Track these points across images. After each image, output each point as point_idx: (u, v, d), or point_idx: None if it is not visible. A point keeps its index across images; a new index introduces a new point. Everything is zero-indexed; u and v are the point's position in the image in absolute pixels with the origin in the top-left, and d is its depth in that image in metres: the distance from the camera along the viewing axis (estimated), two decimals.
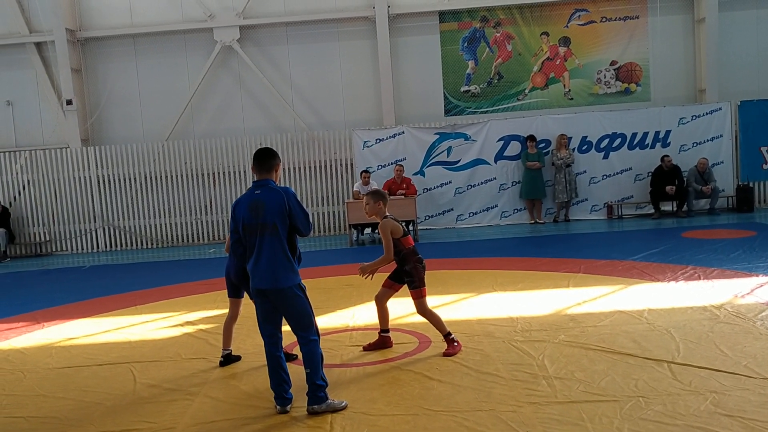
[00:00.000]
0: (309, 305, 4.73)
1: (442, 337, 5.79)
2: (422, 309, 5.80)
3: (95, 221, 15.76)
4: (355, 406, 4.66)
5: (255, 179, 4.79)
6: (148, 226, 15.84)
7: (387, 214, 5.86)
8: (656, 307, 6.73)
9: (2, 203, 15.40)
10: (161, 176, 15.72)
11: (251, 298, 4.82)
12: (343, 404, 4.60)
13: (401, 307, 7.08)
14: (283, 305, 4.63)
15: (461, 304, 7.55)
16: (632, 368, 5.00)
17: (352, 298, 8.27)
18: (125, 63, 16.24)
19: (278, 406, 4.64)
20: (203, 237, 15.87)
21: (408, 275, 5.78)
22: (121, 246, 15.87)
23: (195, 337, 6.87)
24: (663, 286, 7.73)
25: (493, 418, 4.26)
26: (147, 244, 15.85)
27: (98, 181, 15.69)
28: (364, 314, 7.38)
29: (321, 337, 5.43)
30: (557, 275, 8.79)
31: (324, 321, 7.19)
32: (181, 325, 7.46)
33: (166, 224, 15.84)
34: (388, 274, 6.02)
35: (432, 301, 7.70)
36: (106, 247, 15.83)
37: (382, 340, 6.03)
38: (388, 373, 5.27)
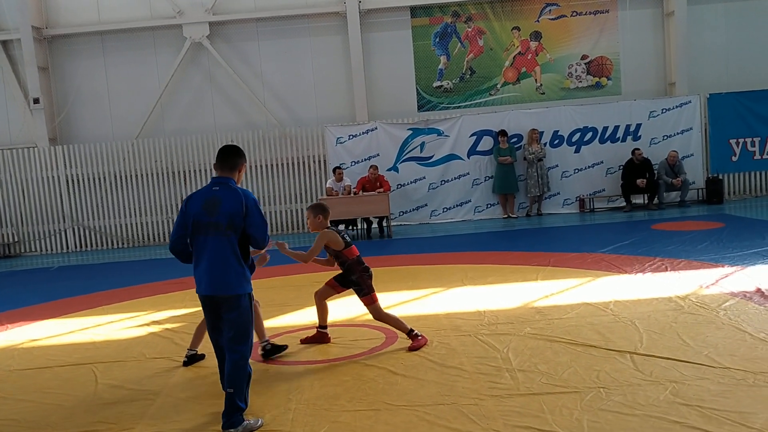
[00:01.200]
0: (252, 318, 4.43)
1: (406, 335, 5.77)
2: (377, 314, 5.82)
3: (64, 221, 15.56)
4: (318, 402, 4.62)
5: (215, 176, 4.48)
6: (119, 225, 15.67)
7: (328, 225, 5.84)
8: (622, 299, 6.76)
9: None
10: (131, 175, 15.55)
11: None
12: (260, 423, 4.26)
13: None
14: (228, 313, 4.27)
15: (430, 299, 7.54)
16: (595, 360, 5.01)
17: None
18: (93, 60, 16.04)
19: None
20: None
21: (355, 284, 5.81)
22: (92, 246, 15.68)
23: (160, 337, 6.79)
24: (630, 278, 7.77)
25: (455, 412, 4.24)
26: (118, 244, 15.67)
27: (67, 181, 15.49)
28: (333, 311, 7.30)
29: (289, 334, 5.41)
30: (527, 269, 8.81)
31: (292, 318, 7.15)
32: (147, 324, 7.37)
33: (136, 224, 15.68)
34: (335, 274, 6.03)
35: (401, 296, 7.73)
36: (75, 247, 15.64)
37: (320, 335, 6.10)
38: (353, 369, 5.23)
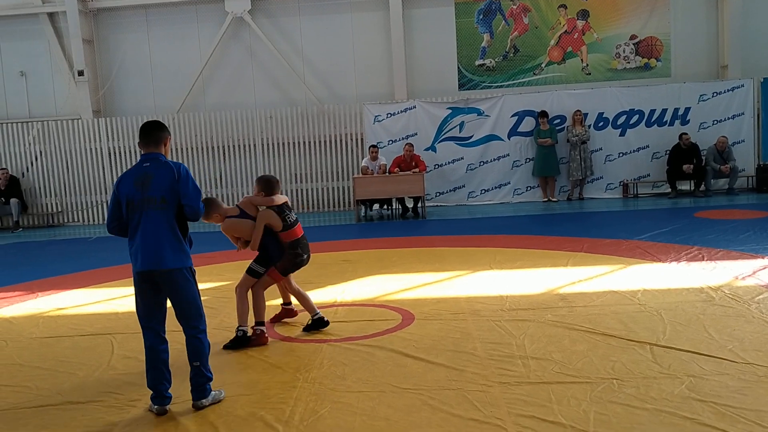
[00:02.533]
0: (198, 292, 4.31)
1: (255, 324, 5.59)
2: (247, 285, 5.70)
3: (106, 193, 15.81)
4: (324, 381, 4.56)
5: (142, 154, 4.34)
6: None
7: (274, 203, 5.67)
8: (651, 288, 6.52)
9: (14, 173, 15.50)
10: (171, 148, 15.60)
11: (135, 280, 4.28)
12: (222, 395, 4.35)
13: (390, 284, 6.98)
14: (170, 290, 4.17)
15: (454, 282, 7.40)
16: (613, 350, 4.83)
17: (346, 273, 8.16)
18: (137, 34, 16.18)
19: (156, 406, 4.19)
20: None
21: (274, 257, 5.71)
22: None
23: None
24: (663, 266, 7.50)
25: (460, 397, 4.13)
26: None
27: (109, 153, 15.74)
28: (354, 290, 7.27)
29: (306, 313, 5.34)
30: (558, 254, 8.60)
31: (313, 296, 7.09)
32: None
33: None
34: None
35: (424, 278, 7.62)
36: None
37: (285, 312, 6.17)
38: (364, 350, 5.15)
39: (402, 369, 4.72)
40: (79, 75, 15.67)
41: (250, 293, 5.67)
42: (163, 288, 4.19)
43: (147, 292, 4.21)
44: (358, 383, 4.50)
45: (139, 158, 4.46)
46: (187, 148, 15.66)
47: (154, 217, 4.13)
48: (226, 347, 5.41)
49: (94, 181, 15.84)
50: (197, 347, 4.26)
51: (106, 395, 4.57)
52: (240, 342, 5.44)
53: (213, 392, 4.29)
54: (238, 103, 15.94)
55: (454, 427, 3.75)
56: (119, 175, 15.04)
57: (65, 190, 15.89)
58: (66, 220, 15.96)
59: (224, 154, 15.70)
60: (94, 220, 15.90)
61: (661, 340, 4.95)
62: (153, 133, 4.32)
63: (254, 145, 15.61)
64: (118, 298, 7.52)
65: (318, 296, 7.06)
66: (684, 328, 5.20)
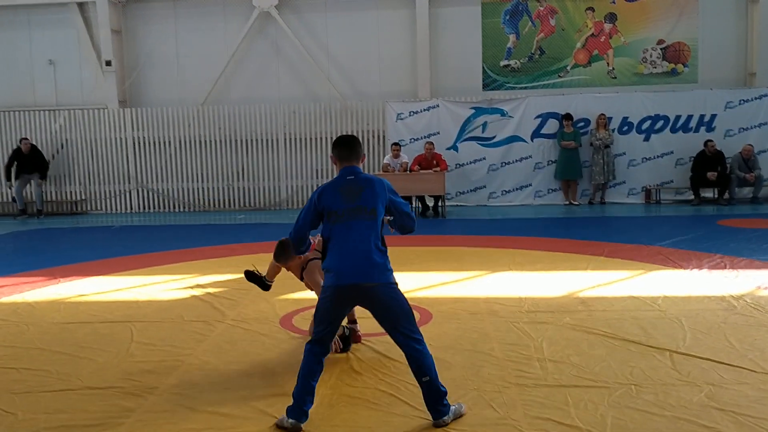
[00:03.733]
0: (406, 301, 4.01)
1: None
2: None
3: (129, 183, 15.98)
4: (341, 377, 4.58)
5: (342, 168, 4.15)
6: (181, 189, 15.99)
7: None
8: (672, 295, 6.46)
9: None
10: (195, 141, 15.82)
11: (326, 296, 3.94)
12: (463, 408, 3.94)
13: (408, 282, 6.97)
14: (381, 302, 3.89)
15: (473, 282, 7.39)
16: (632, 355, 4.79)
17: None
18: (164, 26, 16.30)
19: (291, 420, 3.79)
20: (234, 203, 15.96)
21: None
22: (154, 208, 16.07)
23: (201, 300, 6.87)
24: (685, 273, 7.43)
25: (476, 398, 4.13)
26: (179, 208, 16.01)
27: (134, 143, 15.88)
28: None
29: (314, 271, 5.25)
30: (578, 257, 8.55)
31: None
32: (191, 287, 7.48)
33: (198, 189, 15.97)
34: None
35: (443, 276, 7.62)
36: (139, 208, 16.06)
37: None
38: (381, 347, 5.14)
39: None
40: (106, 65, 15.82)
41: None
42: (362, 302, 3.98)
43: (339, 303, 3.95)
44: (374, 380, 4.52)
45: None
46: (210, 141, 15.77)
47: (361, 228, 3.93)
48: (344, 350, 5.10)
49: (118, 171, 15.99)
50: (422, 358, 3.88)
51: (125, 381, 4.62)
52: (347, 341, 5.14)
53: (452, 407, 3.87)
54: (262, 98, 16.01)
55: (469, 427, 3.75)
56: (144, 164, 15.29)
57: (89, 178, 16.05)
58: (89, 208, 16.13)
59: (247, 148, 15.79)
60: (116, 209, 16.06)
61: (680, 348, 4.90)
62: (355, 147, 4.22)
63: (277, 140, 15.68)
64: (139, 287, 7.60)
65: None
66: (704, 336, 5.15)
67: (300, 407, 3.82)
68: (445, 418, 3.78)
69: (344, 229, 3.93)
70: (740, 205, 13.80)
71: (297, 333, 5.68)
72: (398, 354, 4.93)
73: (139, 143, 15.89)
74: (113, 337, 5.65)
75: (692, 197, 14.35)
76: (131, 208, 16.06)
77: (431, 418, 3.80)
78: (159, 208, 16.07)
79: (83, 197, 16.10)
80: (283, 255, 5.31)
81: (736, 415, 3.75)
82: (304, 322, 5.98)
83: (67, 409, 4.19)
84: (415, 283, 7.33)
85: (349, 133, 15.14)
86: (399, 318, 3.90)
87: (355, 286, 3.87)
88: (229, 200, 15.99)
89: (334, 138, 15.16)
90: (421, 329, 5.50)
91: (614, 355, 4.81)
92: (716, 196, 14.37)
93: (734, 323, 5.47)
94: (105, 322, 6.12)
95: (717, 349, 4.85)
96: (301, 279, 5.41)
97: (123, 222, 14.35)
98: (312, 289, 5.34)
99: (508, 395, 4.15)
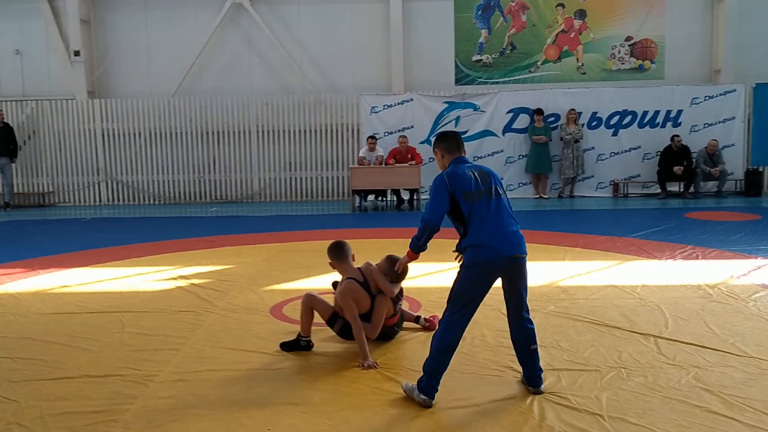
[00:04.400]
0: None
1: None
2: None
3: (99, 174, 15.79)
4: (340, 363, 4.66)
5: (453, 158, 4.27)
6: (151, 181, 15.85)
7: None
8: (650, 284, 6.68)
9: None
10: (166, 132, 15.69)
11: (473, 273, 4.05)
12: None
13: None
14: (518, 275, 4.10)
15: (455, 272, 7.50)
16: (618, 341, 4.97)
17: None
18: (134, 16, 16.12)
19: (423, 396, 3.96)
20: (205, 196, 15.88)
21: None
22: (123, 200, 15.90)
23: (187, 291, 6.88)
24: (659, 263, 7.68)
25: (476, 380, 4.28)
26: (149, 200, 15.87)
27: (103, 134, 15.70)
28: None
29: (313, 296, 5.37)
30: (555, 248, 8.75)
31: (317, 282, 7.19)
32: (175, 279, 7.47)
33: (168, 181, 15.85)
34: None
35: (426, 267, 7.72)
36: (108, 200, 15.89)
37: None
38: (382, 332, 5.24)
39: (415, 353, 4.84)
40: (75, 55, 15.59)
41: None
42: (509, 274, 4.10)
43: (487, 281, 4.08)
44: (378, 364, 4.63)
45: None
46: (181, 133, 15.66)
47: (504, 205, 4.12)
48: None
49: (87, 163, 15.78)
50: (532, 330, 4.19)
51: (124, 369, 4.64)
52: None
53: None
54: (234, 90, 15.95)
55: (474, 408, 3.88)
56: (114, 156, 15.09)
57: (57, 170, 15.82)
58: (57, 201, 15.89)
59: (219, 139, 15.72)
60: (85, 201, 15.85)
61: (664, 333, 5.10)
62: (461, 140, 4.40)
63: (249, 132, 15.64)
64: (120, 278, 7.57)
65: (321, 283, 7.13)
66: (685, 323, 5.36)
67: (434, 385, 3.97)
68: (542, 387, 4.09)
69: (486, 206, 4.05)
70: (705, 199, 14.20)
71: (288, 322, 5.73)
72: (396, 339, 5.05)
73: (108, 135, 15.71)
74: (104, 327, 5.65)
75: (659, 191, 14.71)
76: (100, 201, 15.87)
77: (535, 386, 4.08)
78: (129, 200, 15.91)
79: (51, 189, 15.86)
80: (395, 274, 5.01)
81: (723, 395, 3.93)
82: (295, 311, 6.02)
83: (69, 396, 4.20)
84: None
85: (323, 126, 15.28)
86: (526, 289, 4.17)
87: (510, 258, 4.04)
88: (201, 192, 15.90)
89: (308, 131, 15.27)
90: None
91: (601, 341, 4.98)
92: (682, 189, 14.76)
93: (712, 310, 5.69)
94: (93, 313, 6.10)
95: (699, 334, 5.06)
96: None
97: (92, 214, 14.18)
98: (341, 311, 4.97)
99: (505, 378, 4.30)
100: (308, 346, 4.94)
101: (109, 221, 13.21)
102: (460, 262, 4.22)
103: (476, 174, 4.14)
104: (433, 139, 4.61)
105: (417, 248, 4.42)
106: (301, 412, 3.91)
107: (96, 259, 8.71)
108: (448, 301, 4.14)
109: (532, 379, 4.13)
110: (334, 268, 5.24)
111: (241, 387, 4.29)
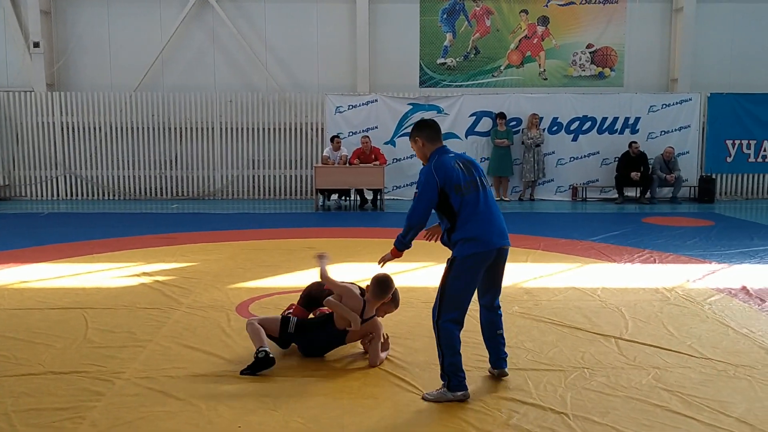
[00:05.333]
0: None
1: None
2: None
3: (57, 169, 15.47)
4: (308, 365, 4.68)
5: (435, 148, 4.32)
6: (111, 177, 15.60)
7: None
8: (610, 286, 6.85)
9: None
10: (127, 127, 15.46)
11: (469, 266, 4.08)
12: None
13: (358, 272, 7.11)
14: (502, 265, 4.28)
15: (421, 272, 7.61)
16: (581, 341, 5.10)
17: (313, 260, 8.23)
18: (97, 8, 15.83)
19: (460, 392, 4.03)
20: (166, 192, 15.69)
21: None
22: (82, 195, 15.62)
23: (151, 288, 6.82)
24: (619, 266, 7.87)
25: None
26: (108, 195, 15.62)
27: (62, 128, 15.38)
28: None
29: (279, 296, 5.38)
30: (517, 250, 8.84)
31: (281, 281, 7.20)
32: (138, 275, 7.40)
33: (129, 176, 15.62)
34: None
35: (392, 267, 7.75)
36: (66, 195, 15.58)
37: None
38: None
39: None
40: (34, 46, 15.24)
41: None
42: (495, 264, 4.21)
43: (482, 271, 4.15)
44: (343, 362, 4.67)
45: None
46: (143, 128, 15.44)
47: (490, 196, 4.20)
48: None
49: (45, 156, 15.44)
50: (500, 317, 4.44)
51: (89, 366, 4.60)
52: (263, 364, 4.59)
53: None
54: (197, 86, 15.79)
55: (439, 407, 3.95)
56: (73, 150, 14.83)
57: (14, 163, 15.46)
58: (13, 195, 15.53)
59: (181, 136, 15.54)
60: (42, 196, 15.51)
61: (624, 335, 5.25)
62: (440, 129, 4.46)
63: (212, 129, 15.51)
64: (82, 274, 7.46)
65: (287, 282, 7.16)
66: (644, 325, 5.52)
67: (462, 379, 4.04)
68: (506, 369, 4.38)
69: (476, 199, 4.11)
70: (661, 204, 14.55)
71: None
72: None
73: (67, 128, 15.40)
74: (67, 324, 5.58)
75: (616, 196, 15.03)
76: (58, 195, 15.55)
77: (500, 368, 4.36)
78: (88, 195, 15.62)
79: (6, 183, 15.48)
80: (385, 292, 4.80)
81: (682, 395, 4.08)
82: (261, 309, 6.05)
83: (34, 392, 4.16)
84: (364, 273, 7.43)
85: (288, 124, 15.23)
86: (502, 279, 4.35)
87: (500, 249, 4.17)
88: (161, 188, 15.70)
89: (272, 129, 15.18)
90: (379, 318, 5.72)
91: (564, 341, 5.10)
92: (638, 195, 15.09)
93: (670, 313, 5.87)
94: (56, 309, 6.02)
95: (658, 336, 5.22)
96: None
97: (50, 209, 13.90)
98: (342, 321, 4.70)
99: (471, 377, 4.36)
100: (267, 357, 4.44)
101: (68, 216, 12.98)
102: (382, 266, 4.41)
103: (461, 165, 4.18)
104: (410, 128, 4.60)
105: (402, 246, 4.37)
106: (270, 409, 3.93)
107: (56, 254, 8.56)
108: (442, 304, 4.12)
109: (498, 362, 4.37)
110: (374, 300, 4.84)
111: (209, 385, 4.29)
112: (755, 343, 5.06)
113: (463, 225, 4.09)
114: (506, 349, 4.45)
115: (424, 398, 4.07)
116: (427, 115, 15.10)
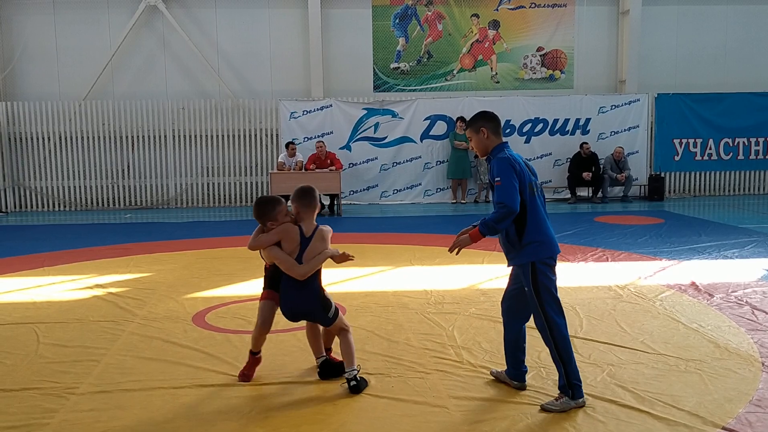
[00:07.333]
0: None
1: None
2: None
3: (4, 180, 15.09)
4: (269, 374, 4.65)
5: (499, 142, 4.18)
6: (61, 187, 15.29)
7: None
8: (564, 285, 6.86)
9: None
10: (77, 137, 15.17)
11: (548, 267, 4.12)
12: None
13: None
14: None
15: (378, 276, 7.63)
16: (536, 341, 5.09)
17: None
18: (43, 16, 15.51)
19: (583, 398, 3.97)
20: (119, 202, 15.43)
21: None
22: (31, 207, 15.27)
23: (104, 300, 6.70)
24: (572, 265, 8.00)
25: (401, 384, 4.35)
26: (59, 206, 15.30)
27: (9, 139, 15.02)
28: None
29: (236, 305, 5.32)
30: (473, 252, 8.92)
31: (242, 290, 7.14)
32: (91, 287, 7.26)
33: (80, 187, 15.32)
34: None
35: (349, 272, 7.78)
36: (14, 207, 15.20)
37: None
38: (299, 341, 5.26)
39: (339, 356, 4.87)
40: None
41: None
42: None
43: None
44: (300, 372, 4.64)
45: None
46: (93, 137, 15.17)
47: (543, 200, 4.16)
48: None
49: None
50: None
51: (41, 382, 4.49)
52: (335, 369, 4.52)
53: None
54: (148, 93, 15.58)
55: (400, 411, 3.96)
56: (21, 161, 14.44)
57: None
58: None
59: (133, 144, 15.31)
60: None
61: (579, 333, 5.34)
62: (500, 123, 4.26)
63: (165, 137, 15.31)
64: (32, 288, 7.29)
65: (243, 290, 7.10)
66: (598, 322, 5.62)
67: (580, 385, 3.97)
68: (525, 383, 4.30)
69: (539, 201, 4.09)
70: (612, 203, 14.85)
71: (212, 330, 5.67)
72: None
73: (14, 139, 15.05)
74: (17, 339, 5.44)
75: (569, 196, 15.29)
76: (6, 208, 15.16)
77: (515, 382, 4.28)
78: (37, 207, 15.28)
79: None
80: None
81: (636, 391, 4.16)
82: (218, 319, 6.00)
83: None
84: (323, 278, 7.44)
85: (241, 131, 15.12)
86: None
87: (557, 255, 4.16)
88: (114, 198, 15.44)
89: (226, 136, 15.02)
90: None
91: None
92: (591, 194, 15.37)
93: (623, 310, 5.99)
94: (4, 324, 5.86)
95: (611, 333, 5.32)
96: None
97: None
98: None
99: (431, 380, 4.40)
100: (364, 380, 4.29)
101: (16, 229, 12.66)
102: (457, 253, 4.19)
103: (528, 166, 4.12)
104: (471, 118, 4.34)
105: (491, 231, 4.00)
106: (229, 420, 3.90)
107: (4, 268, 8.35)
108: (542, 304, 4.07)
109: (519, 375, 4.27)
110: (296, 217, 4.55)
111: (166, 398, 4.23)
112: (705, 337, 5.20)
113: (536, 226, 4.01)
114: (463, 351, 4.47)
115: (545, 409, 3.90)
116: (382, 119, 15.21)
